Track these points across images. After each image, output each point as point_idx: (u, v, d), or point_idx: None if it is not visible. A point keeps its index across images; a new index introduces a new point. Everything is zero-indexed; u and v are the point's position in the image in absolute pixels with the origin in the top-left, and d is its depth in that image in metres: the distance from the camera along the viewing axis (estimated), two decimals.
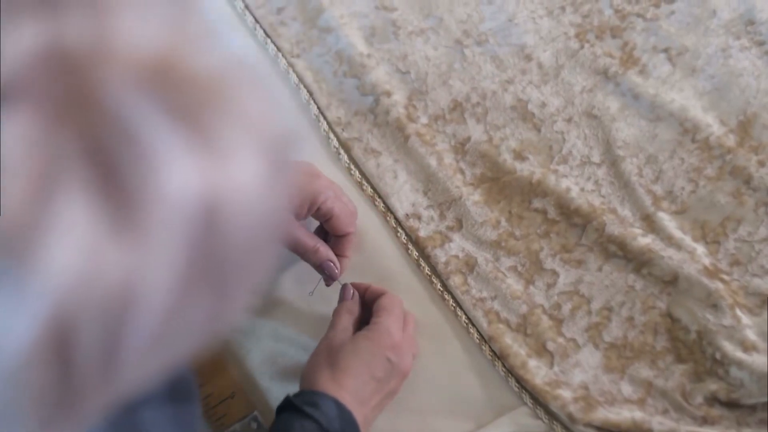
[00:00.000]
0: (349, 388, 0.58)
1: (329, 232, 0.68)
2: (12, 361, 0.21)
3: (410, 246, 0.72)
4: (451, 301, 0.69)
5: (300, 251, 0.65)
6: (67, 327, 0.21)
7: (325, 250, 0.65)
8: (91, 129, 0.21)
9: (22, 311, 0.21)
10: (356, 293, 0.66)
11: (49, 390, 0.23)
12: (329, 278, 0.66)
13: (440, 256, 0.70)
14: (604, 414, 0.63)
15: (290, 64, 0.79)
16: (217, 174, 0.23)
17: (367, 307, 0.66)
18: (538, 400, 0.65)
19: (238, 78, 0.25)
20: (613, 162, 0.73)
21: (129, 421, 0.41)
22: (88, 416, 0.25)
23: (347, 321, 0.64)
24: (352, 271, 0.70)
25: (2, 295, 0.21)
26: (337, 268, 0.66)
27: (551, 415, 0.65)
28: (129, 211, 0.21)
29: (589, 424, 0.63)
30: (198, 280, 0.24)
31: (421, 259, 0.71)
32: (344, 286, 0.67)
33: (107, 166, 0.21)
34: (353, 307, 0.65)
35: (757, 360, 0.63)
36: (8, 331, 0.21)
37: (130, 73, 0.22)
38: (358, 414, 0.58)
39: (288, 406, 0.57)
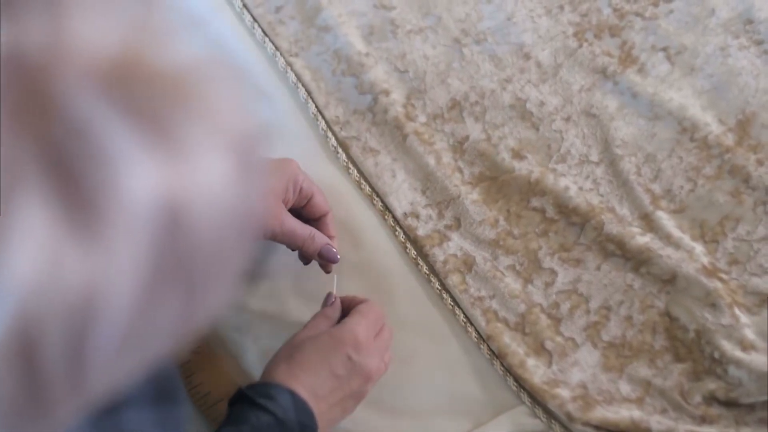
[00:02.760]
0: (304, 382, 0.57)
1: (307, 216, 0.67)
2: None
3: (408, 245, 0.72)
4: (449, 300, 0.69)
5: (298, 242, 0.65)
6: (31, 332, 0.21)
7: (320, 235, 0.65)
8: (49, 133, 0.21)
9: None
10: (338, 300, 0.65)
11: (16, 395, 0.23)
12: (330, 262, 0.66)
13: (438, 255, 0.70)
14: (602, 413, 0.63)
15: (288, 63, 0.79)
16: (179, 175, 0.23)
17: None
18: (536, 399, 0.65)
19: (205, 75, 0.24)
20: (611, 161, 0.73)
21: (112, 422, 0.41)
22: (61, 419, 0.25)
23: (322, 324, 0.62)
24: (351, 271, 0.70)
25: None
26: (336, 252, 0.65)
27: (549, 414, 0.64)
28: (89, 215, 0.21)
29: (587, 423, 0.63)
30: (165, 281, 0.24)
31: (419, 258, 0.71)
32: (328, 295, 0.65)
33: (66, 170, 0.21)
34: (332, 313, 0.64)
35: (755, 359, 0.63)
36: None
37: (87, 75, 0.22)
38: (312, 403, 0.56)
39: (241, 398, 0.56)
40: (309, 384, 0.57)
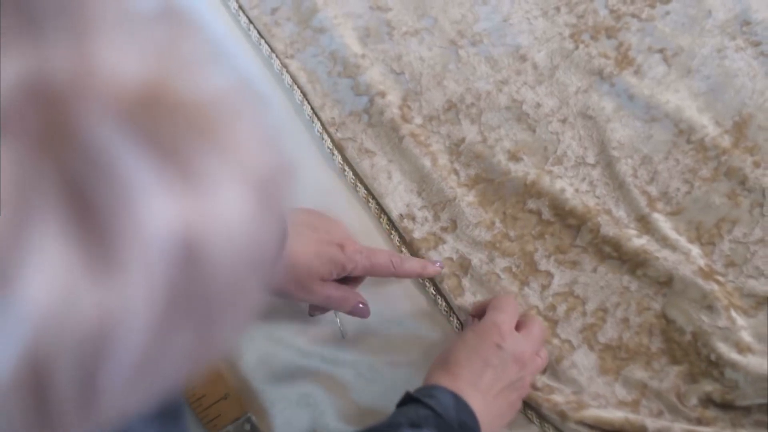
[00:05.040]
0: (463, 377, 0.59)
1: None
2: None
3: (404, 249, 0.71)
4: (443, 306, 0.69)
5: (332, 306, 0.66)
6: (44, 361, 0.21)
7: (353, 297, 0.66)
8: (69, 164, 0.21)
9: None
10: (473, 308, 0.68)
11: (28, 423, 0.22)
12: (362, 318, 0.67)
13: (434, 259, 0.70)
14: (596, 412, 0.63)
15: (284, 65, 0.79)
16: (198, 209, 0.23)
17: None
18: (530, 404, 0.65)
19: (231, 107, 0.24)
20: (607, 163, 0.73)
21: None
22: None
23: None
24: None
25: None
26: (367, 308, 0.66)
27: (542, 418, 0.64)
28: (105, 246, 0.21)
29: (581, 422, 0.62)
30: (179, 315, 0.24)
31: None
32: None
33: (84, 202, 0.21)
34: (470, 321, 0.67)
35: (752, 361, 0.63)
36: None
37: (111, 106, 0.22)
38: (476, 400, 0.58)
39: (406, 400, 0.58)
40: (468, 378, 0.59)
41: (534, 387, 0.65)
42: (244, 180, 0.24)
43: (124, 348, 0.22)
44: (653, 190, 0.72)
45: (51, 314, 0.21)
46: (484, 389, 0.59)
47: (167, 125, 0.22)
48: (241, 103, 0.25)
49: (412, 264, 0.67)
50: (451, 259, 0.70)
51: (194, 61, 0.24)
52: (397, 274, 0.67)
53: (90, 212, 0.21)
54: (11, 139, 0.20)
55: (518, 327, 0.64)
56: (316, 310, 0.68)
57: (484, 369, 0.59)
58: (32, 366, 0.21)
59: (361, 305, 0.66)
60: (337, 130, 0.76)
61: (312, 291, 0.63)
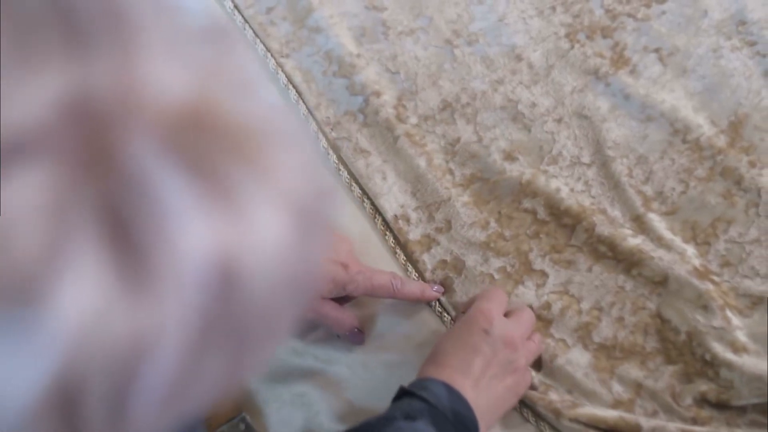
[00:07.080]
0: (454, 366, 0.59)
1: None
2: (18, 416, 0.21)
3: (398, 250, 0.71)
4: (437, 305, 0.69)
5: (327, 324, 0.67)
6: (75, 381, 0.21)
7: (349, 320, 0.67)
8: (107, 184, 0.21)
9: (31, 364, 0.21)
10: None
11: None
12: (355, 344, 0.68)
13: (427, 261, 0.70)
14: (591, 410, 0.63)
15: (279, 65, 0.79)
16: (234, 233, 0.22)
17: None
18: (525, 403, 0.65)
19: (271, 132, 0.24)
20: (603, 162, 0.73)
21: None
22: None
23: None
24: None
25: (11, 346, 0.20)
26: (361, 336, 0.67)
27: (538, 416, 0.64)
28: (140, 268, 0.21)
29: (575, 420, 0.62)
30: (213, 338, 0.24)
31: (408, 264, 0.71)
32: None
33: (120, 222, 0.21)
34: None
35: (747, 361, 0.63)
36: (16, 383, 0.21)
37: (153, 126, 0.21)
38: (468, 388, 0.58)
39: (400, 394, 0.59)
40: (458, 367, 0.59)
41: (530, 386, 0.65)
42: (283, 205, 0.24)
43: (156, 370, 0.22)
44: (648, 190, 0.71)
45: (83, 333, 0.21)
46: (475, 376, 0.59)
47: (208, 147, 0.22)
48: (283, 128, 0.25)
49: (412, 287, 0.68)
50: (444, 261, 0.70)
51: (239, 82, 0.24)
52: (397, 296, 0.67)
53: (126, 233, 0.21)
54: (50, 156, 0.20)
55: (507, 315, 0.64)
56: None
57: (473, 356, 0.60)
58: (63, 384, 0.21)
59: (356, 330, 0.67)
60: (332, 129, 0.76)
61: (309, 308, 0.64)
